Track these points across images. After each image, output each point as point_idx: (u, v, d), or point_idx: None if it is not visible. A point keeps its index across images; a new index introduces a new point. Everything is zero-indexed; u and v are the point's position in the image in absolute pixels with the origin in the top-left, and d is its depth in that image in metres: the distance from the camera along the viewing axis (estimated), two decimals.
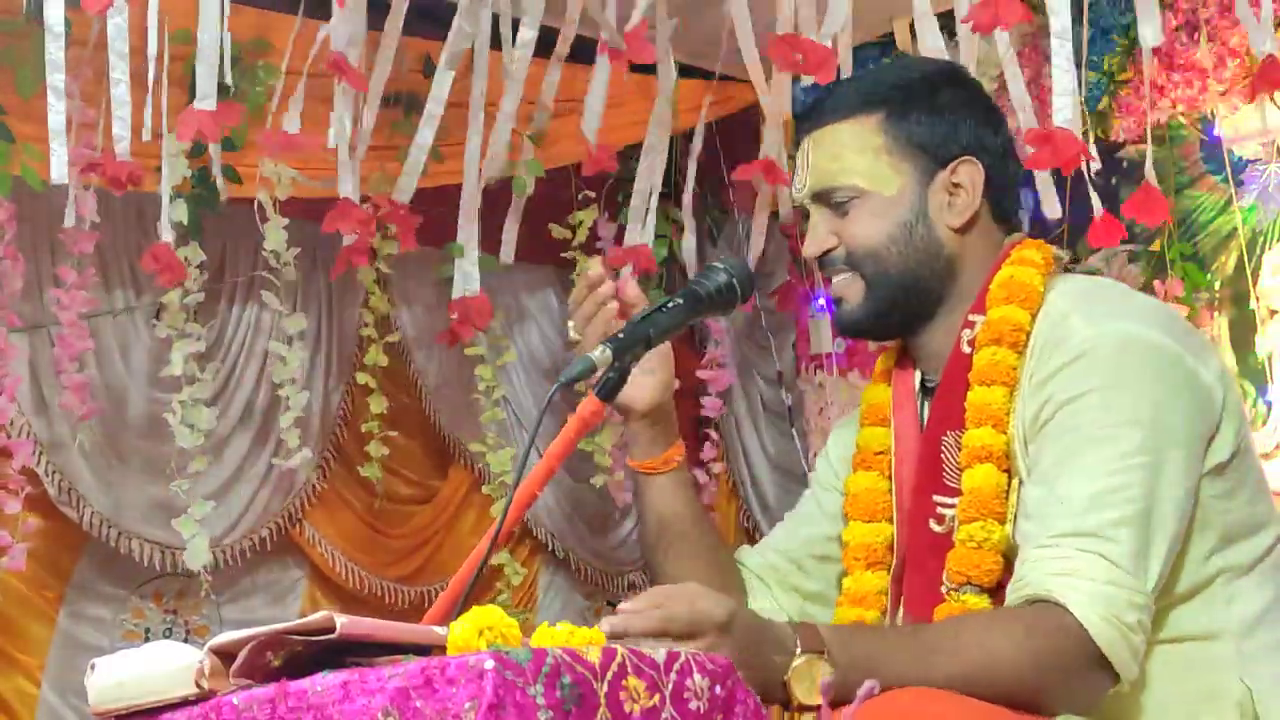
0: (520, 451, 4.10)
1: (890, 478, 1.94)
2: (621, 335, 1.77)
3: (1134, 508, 1.63)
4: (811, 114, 1.94)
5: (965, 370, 1.81)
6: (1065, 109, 2.83)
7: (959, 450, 1.78)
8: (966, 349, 1.83)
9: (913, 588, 1.82)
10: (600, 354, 1.74)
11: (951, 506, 1.80)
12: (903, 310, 1.87)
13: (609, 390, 1.78)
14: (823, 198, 1.88)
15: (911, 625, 1.74)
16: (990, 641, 1.61)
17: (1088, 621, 1.59)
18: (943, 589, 1.77)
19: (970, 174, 1.87)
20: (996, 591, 1.75)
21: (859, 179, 1.85)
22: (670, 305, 1.81)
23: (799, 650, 1.57)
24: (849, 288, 1.87)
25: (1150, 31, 2.93)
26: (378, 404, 3.95)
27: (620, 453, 4.23)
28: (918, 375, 1.94)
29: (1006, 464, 1.76)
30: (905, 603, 1.83)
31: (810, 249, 1.90)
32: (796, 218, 3.11)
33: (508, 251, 3.53)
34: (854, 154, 1.86)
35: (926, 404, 1.92)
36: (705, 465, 4.46)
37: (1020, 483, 1.76)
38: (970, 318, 1.85)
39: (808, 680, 1.58)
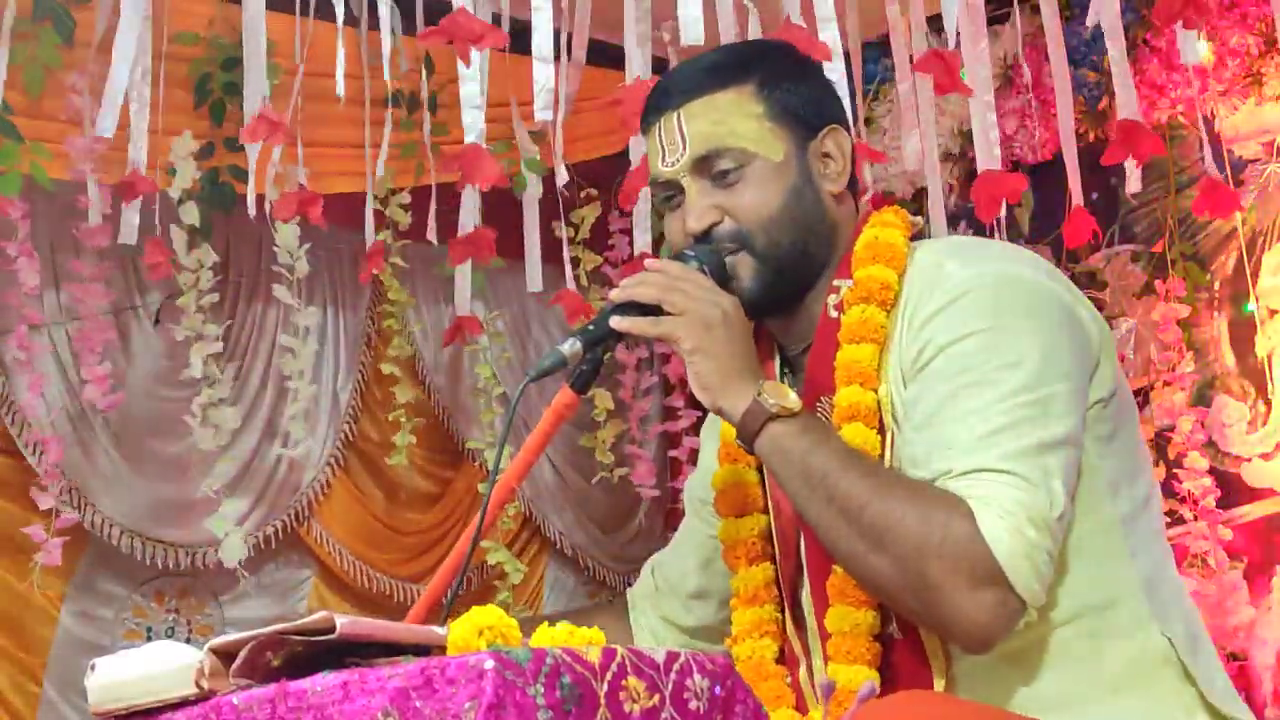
0: (517, 448, 4.11)
1: (759, 467, 1.91)
2: (591, 327, 1.75)
3: (1026, 442, 1.61)
4: (674, 90, 1.85)
5: (834, 333, 1.80)
6: (1131, 101, 2.86)
7: (833, 412, 1.77)
8: (834, 313, 1.81)
9: (812, 559, 1.80)
10: (570, 347, 1.71)
11: None
12: (791, 281, 1.83)
13: (583, 382, 1.77)
14: (705, 167, 1.81)
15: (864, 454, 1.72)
16: (910, 506, 1.60)
17: (990, 532, 1.57)
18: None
19: (839, 142, 1.86)
20: None
21: (747, 142, 1.80)
22: None
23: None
24: (738, 266, 1.80)
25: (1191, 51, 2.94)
26: (404, 393, 3.96)
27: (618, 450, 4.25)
28: (777, 355, 1.92)
29: (877, 421, 1.75)
30: (809, 577, 1.81)
31: (693, 224, 1.80)
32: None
33: (534, 278, 3.53)
34: (739, 119, 1.81)
35: (788, 381, 1.89)
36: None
37: (895, 436, 1.74)
38: (835, 282, 1.83)
39: (778, 394, 1.68)
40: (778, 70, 1.86)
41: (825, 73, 2.02)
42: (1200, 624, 1.80)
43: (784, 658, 1.86)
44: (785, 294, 1.83)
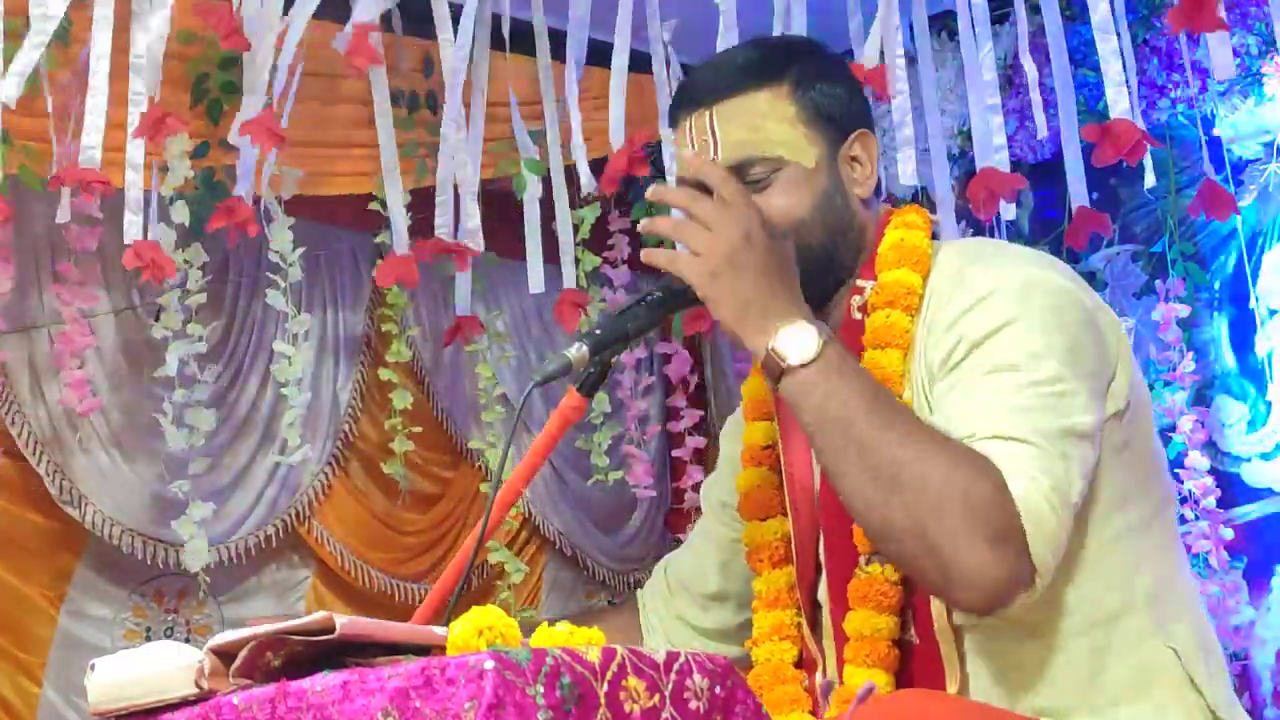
0: (516, 448, 4.11)
1: (780, 471, 1.91)
2: (599, 331, 1.72)
3: (1052, 424, 1.59)
4: (706, 87, 1.82)
5: (858, 336, 1.78)
6: (1121, 100, 2.85)
7: None
8: (857, 315, 1.80)
9: (831, 562, 1.80)
10: (577, 351, 1.69)
11: None
12: (819, 285, 1.80)
13: (590, 386, 1.75)
14: (739, 172, 1.77)
15: (895, 399, 1.68)
16: (935, 455, 1.56)
17: (1017, 494, 1.54)
18: (861, 559, 1.75)
19: (867, 145, 1.84)
20: None
21: (782, 149, 1.78)
22: (649, 299, 1.76)
23: (804, 319, 1.64)
24: None
25: (1223, 65, 2.93)
26: (401, 400, 3.95)
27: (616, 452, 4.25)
28: None
29: None
30: (828, 579, 1.81)
31: None
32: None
33: (536, 280, 3.52)
34: (773, 124, 1.78)
35: None
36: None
37: None
38: (859, 283, 1.81)
39: (797, 339, 1.62)
40: (811, 70, 1.83)
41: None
42: (1210, 633, 1.79)
43: (803, 662, 1.86)
44: (809, 298, 1.78)
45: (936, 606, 1.71)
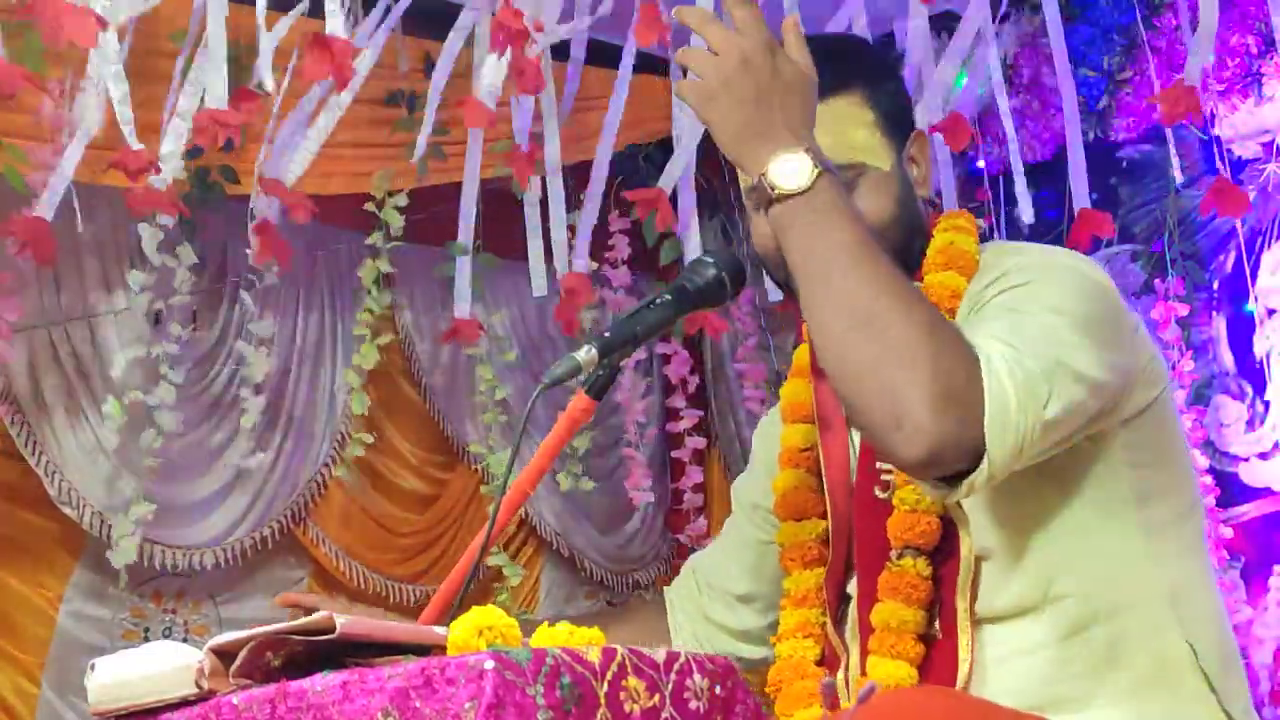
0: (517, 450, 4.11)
1: (819, 474, 1.91)
2: (608, 334, 1.71)
3: (1048, 353, 1.56)
4: None
5: None
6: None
7: None
8: None
9: (863, 558, 1.80)
10: (586, 354, 1.68)
11: (891, 472, 1.77)
12: None
13: (599, 388, 1.74)
14: None
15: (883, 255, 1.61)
16: (915, 309, 1.52)
17: (990, 374, 1.50)
18: (892, 554, 1.75)
19: (922, 145, 1.86)
20: (935, 553, 1.74)
21: (862, 154, 1.78)
22: (658, 302, 1.75)
23: (804, 147, 1.57)
24: None
25: (1195, 70, 2.96)
26: (358, 404, 3.94)
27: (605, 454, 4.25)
28: None
29: None
30: (858, 575, 1.81)
31: None
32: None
33: (538, 283, 3.52)
34: (853, 129, 1.78)
35: None
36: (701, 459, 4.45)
37: None
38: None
39: (789, 170, 1.56)
40: (878, 72, 1.84)
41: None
42: (1232, 645, 1.79)
43: (825, 660, 1.87)
44: None
45: (961, 601, 1.71)
